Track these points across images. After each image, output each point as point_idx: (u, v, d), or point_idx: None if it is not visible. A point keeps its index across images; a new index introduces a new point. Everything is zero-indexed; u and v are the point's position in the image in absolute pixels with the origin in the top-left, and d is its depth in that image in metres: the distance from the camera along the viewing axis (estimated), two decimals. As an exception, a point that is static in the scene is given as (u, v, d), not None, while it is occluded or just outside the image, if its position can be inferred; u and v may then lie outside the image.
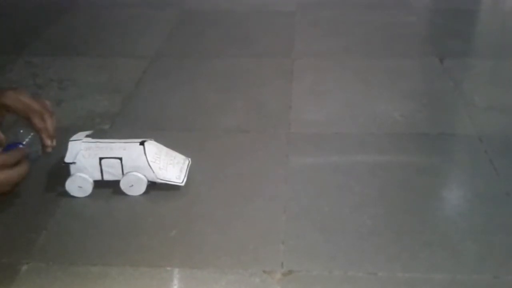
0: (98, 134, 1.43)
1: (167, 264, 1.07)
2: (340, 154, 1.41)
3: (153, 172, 1.22)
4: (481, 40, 2.13)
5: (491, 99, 1.64)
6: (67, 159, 1.22)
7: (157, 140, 1.29)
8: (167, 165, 1.26)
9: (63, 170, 1.23)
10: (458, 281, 1.03)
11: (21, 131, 1.18)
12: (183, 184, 1.26)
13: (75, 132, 1.30)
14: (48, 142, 1.17)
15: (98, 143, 1.24)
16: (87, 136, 1.26)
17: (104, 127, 1.52)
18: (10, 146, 1.14)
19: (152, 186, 1.26)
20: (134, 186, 1.24)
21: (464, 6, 2.34)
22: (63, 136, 1.25)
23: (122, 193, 1.25)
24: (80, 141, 1.23)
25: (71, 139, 1.24)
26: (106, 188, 1.26)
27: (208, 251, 1.10)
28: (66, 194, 1.24)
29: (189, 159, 1.32)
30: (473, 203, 1.24)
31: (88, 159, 1.22)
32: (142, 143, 1.24)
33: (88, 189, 1.24)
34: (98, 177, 1.24)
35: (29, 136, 1.17)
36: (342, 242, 1.12)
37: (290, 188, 1.28)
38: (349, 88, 1.71)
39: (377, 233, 1.14)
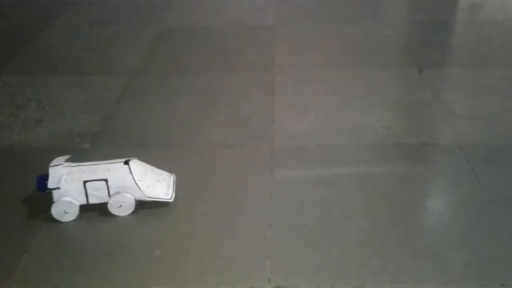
0: (79, 153, 1.42)
1: (152, 284, 1.06)
2: (323, 167, 1.41)
3: (141, 190, 1.21)
4: (458, 51, 2.16)
5: (470, 108, 1.66)
6: (50, 184, 1.19)
7: (140, 158, 1.28)
8: (154, 182, 1.24)
9: (45, 194, 1.21)
10: (446, 291, 1.03)
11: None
12: (172, 200, 1.24)
13: (56, 152, 1.28)
14: None
15: (79, 166, 1.22)
16: (67, 160, 1.24)
17: (85, 146, 1.50)
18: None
19: (141, 204, 1.24)
20: (122, 206, 1.22)
21: (439, 18, 2.37)
22: (44, 157, 1.23)
23: (107, 213, 1.23)
24: (61, 165, 1.20)
25: (51, 164, 1.21)
26: (92, 209, 1.23)
27: (194, 269, 1.09)
28: (49, 218, 1.21)
29: (173, 175, 1.31)
30: (456, 212, 1.25)
31: (71, 184, 1.19)
32: (126, 162, 1.22)
33: (75, 212, 1.22)
34: (83, 202, 1.21)
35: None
36: (328, 256, 1.12)
37: (275, 202, 1.27)
38: (330, 100, 1.72)
39: (363, 245, 1.14)
